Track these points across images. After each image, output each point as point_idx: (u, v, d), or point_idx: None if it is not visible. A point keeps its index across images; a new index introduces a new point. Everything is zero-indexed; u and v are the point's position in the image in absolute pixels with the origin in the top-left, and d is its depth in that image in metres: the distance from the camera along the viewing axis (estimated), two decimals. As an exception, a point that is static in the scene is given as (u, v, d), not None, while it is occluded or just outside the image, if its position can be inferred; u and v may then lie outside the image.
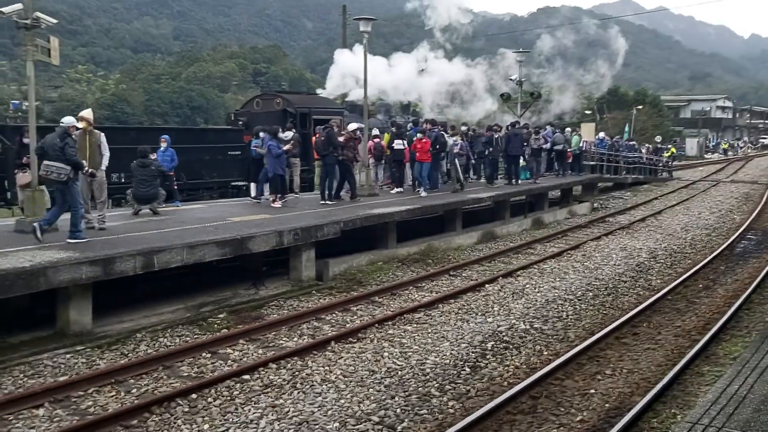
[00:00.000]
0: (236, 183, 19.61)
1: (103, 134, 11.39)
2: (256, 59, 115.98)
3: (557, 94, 31.46)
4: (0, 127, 17.07)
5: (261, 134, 15.29)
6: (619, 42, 34.32)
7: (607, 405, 7.38)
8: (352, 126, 16.93)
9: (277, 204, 14.67)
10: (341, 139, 15.97)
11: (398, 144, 17.60)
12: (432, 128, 18.66)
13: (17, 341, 8.75)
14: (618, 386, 7.91)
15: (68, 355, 8.50)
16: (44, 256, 8.93)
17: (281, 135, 15.16)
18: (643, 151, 35.65)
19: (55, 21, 10.60)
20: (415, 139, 17.62)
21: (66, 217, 10.25)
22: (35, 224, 9.91)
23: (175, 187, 15.76)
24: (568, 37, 34.42)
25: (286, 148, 14.87)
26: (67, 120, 10.24)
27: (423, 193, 17.59)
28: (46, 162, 9.88)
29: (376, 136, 18.43)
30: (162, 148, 14.77)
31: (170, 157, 14.87)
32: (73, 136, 10.13)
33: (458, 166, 19.41)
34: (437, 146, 18.15)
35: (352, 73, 23.06)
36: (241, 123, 21.68)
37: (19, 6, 10.11)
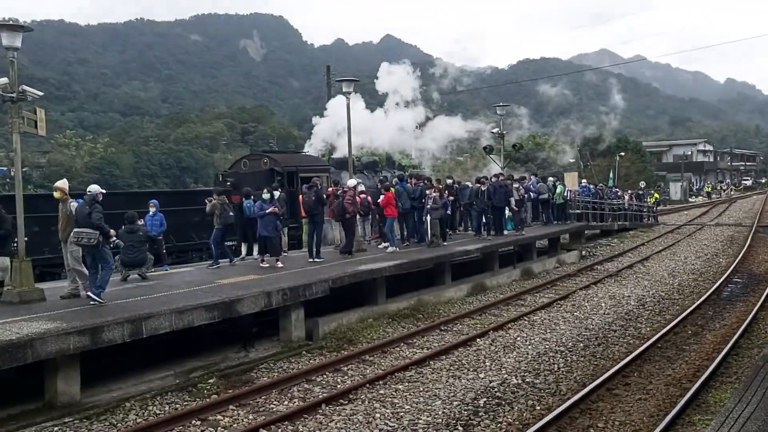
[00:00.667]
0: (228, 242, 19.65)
1: (74, 202, 11.41)
2: (244, 119, 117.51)
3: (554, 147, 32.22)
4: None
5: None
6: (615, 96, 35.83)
7: (600, 459, 7.35)
8: (351, 182, 17.30)
9: (265, 264, 14.67)
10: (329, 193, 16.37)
11: (385, 200, 17.77)
12: (417, 182, 18.91)
13: (5, 414, 8.63)
14: (611, 439, 7.89)
15: (56, 428, 8.38)
16: (31, 327, 8.89)
17: (266, 196, 15.23)
18: (626, 197, 36.01)
19: (41, 94, 10.81)
20: (383, 193, 17.87)
21: (54, 286, 10.25)
22: (89, 294, 10.63)
23: (164, 251, 15.79)
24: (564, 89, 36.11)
25: (269, 210, 14.93)
26: (94, 188, 10.94)
27: (389, 249, 17.54)
28: (76, 229, 10.69)
29: (362, 192, 18.61)
30: (151, 213, 14.83)
31: (159, 222, 14.92)
32: (97, 201, 10.74)
33: (433, 220, 18.96)
34: (422, 200, 18.39)
35: (338, 129, 23.56)
36: (228, 183, 21.85)
37: (5, 80, 10.30)
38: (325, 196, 16.50)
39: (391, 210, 17.82)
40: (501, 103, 26.44)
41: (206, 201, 15.73)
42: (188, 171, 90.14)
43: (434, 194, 18.49)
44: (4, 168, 69.75)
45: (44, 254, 16.70)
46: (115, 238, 11.35)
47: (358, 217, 18.79)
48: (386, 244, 18.16)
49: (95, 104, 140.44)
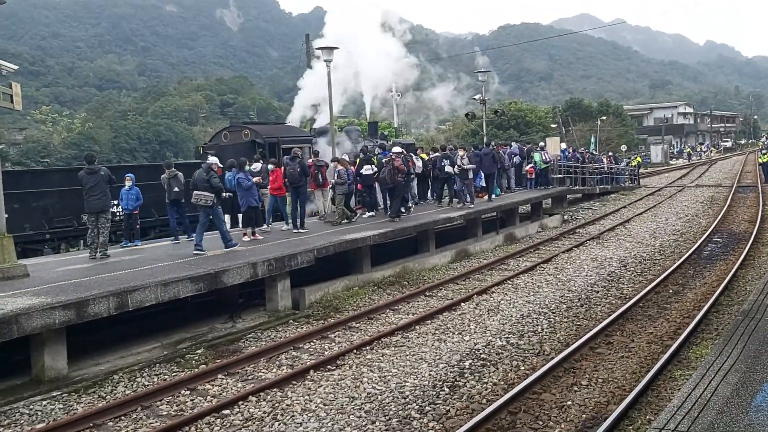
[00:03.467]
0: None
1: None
2: (223, 90, 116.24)
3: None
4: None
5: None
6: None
7: (584, 416, 7.52)
8: (397, 149, 17.95)
9: (247, 238, 14.62)
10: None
11: (367, 169, 17.75)
12: (399, 152, 18.88)
13: (-8, 391, 8.64)
14: (594, 396, 8.06)
15: (44, 402, 8.41)
16: (15, 303, 8.85)
17: (249, 167, 15.22)
18: (605, 160, 36.19)
19: (15, 67, 10.62)
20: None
21: (36, 262, 10.17)
22: (194, 252, 12.89)
23: (138, 226, 15.65)
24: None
25: (255, 179, 14.93)
26: (212, 159, 13.97)
27: (286, 227, 16.73)
28: (195, 192, 12.91)
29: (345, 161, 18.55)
30: (127, 187, 14.61)
31: (135, 196, 14.74)
32: (214, 170, 13.25)
33: (338, 196, 17.41)
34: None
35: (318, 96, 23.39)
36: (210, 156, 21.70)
37: (-21, 54, 10.12)
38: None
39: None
40: (482, 69, 26.33)
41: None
42: (168, 145, 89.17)
43: (339, 168, 17.07)
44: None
45: (25, 231, 16.60)
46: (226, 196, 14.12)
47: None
48: (370, 213, 18.21)
49: (71, 79, 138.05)
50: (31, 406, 8.28)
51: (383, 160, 17.53)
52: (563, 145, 32.91)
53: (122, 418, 7.96)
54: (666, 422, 5.18)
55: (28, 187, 17.10)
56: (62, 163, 71.89)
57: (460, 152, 19.55)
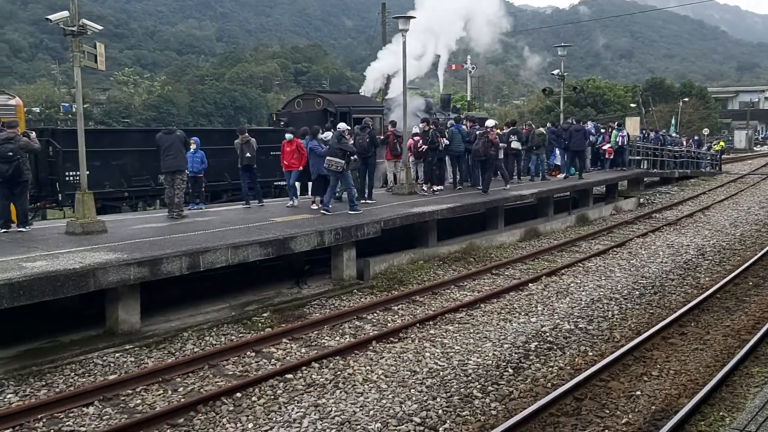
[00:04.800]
0: (278, 183, 19.78)
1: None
2: (298, 59, 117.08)
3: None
4: (51, 131, 17.53)
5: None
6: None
7: (653, 407, 7.25)
8: (490, 122, 17.92)
9: (315, 206, 14.70)
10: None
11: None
12: (472, 125, 18.57)
13: (68, 340, 9.02)
14: (665, 388, 7.76)
15: (117, 354, 8.73)
16: (93, 257, 9.17)
17: (321, 135, 15.23)
18: (684, 143, 34.57)
19: (100, 28, 10.86)
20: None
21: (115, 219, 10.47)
22: (322, 210, 13.79)
23: (203, 190, 15.94)
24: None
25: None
26: (342, 126, 14.22)
27: (290, 203, 15.43)
28: (327, 157, 13.59)
29: (416, 134, 18.37)
30: (192, 150, 14.68)
31: (200, 159, 14.93)
32: (346, 137, 13.80)
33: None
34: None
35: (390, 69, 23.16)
36: (282, 123, 21.90)
37: (65, 14, 10.39)
38: (382, 137, 16.44)
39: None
40: (561, 44, 25.48)
41: None
42: (242, 110, 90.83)
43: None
44: (66, 104, 71.58)
45: (105, 188, 17.16)
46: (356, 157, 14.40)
47: (411, 159, 18.64)
48: (439, 187, 18.02)
49: (152, 42, 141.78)
50: (104, 358, 8.60)
51: (477, 133, 17.46)
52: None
53: (190, 374, 8.18)
54: (746, 423, 4.91)
55: (109, 146, 17.64)
56: (142, 123, 74.28)
57: (507, 129, 18.82)
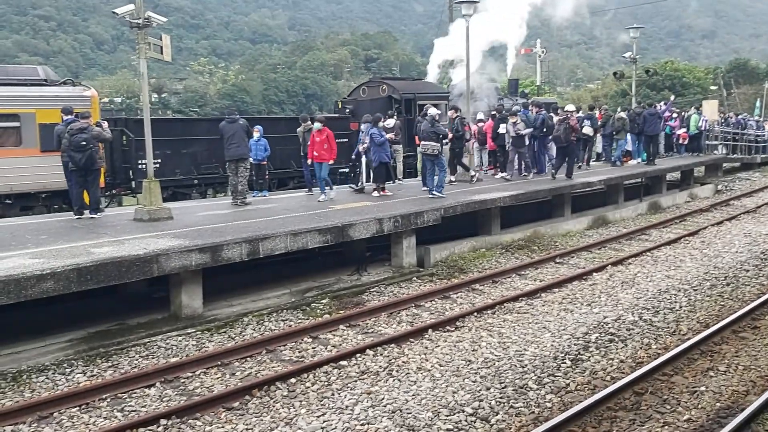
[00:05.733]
0: (342, 170, 19.91)
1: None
2: (368, 45, 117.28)
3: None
4: (124, 121, 18.17)
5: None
6: None
7: (718, 404, 6.93)
8: (570, 107, 18.12)
9: (376, 193, 14.69)
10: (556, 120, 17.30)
11: (502, 128, 17.21)
12: (539, 111, 18.17)
13: (135, 323, 9.38)
14: (732, 384, 7.40)
15: (180, 338, 9.00)
16: (158, 244, 9.47)
17: (383, 123, 15.20)
18: (766, 126, 32.61)
19: (164, 20, 11.13)
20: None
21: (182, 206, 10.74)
22: (435, 192, 14.22)
23: (267, 177, 16.15)
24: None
25: (388, 136, 14.90)
26: (433, 111, 14.46)
27: (321, 197, 14.13)
28: (423, 142, 14.32)
29: (480, 120, 18.14)
30: (255, 138, 14.86)
31: (264, 147, 15.11)
32: (436, 120, 14.20)
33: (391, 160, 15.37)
34: (544, 129, 17.71)
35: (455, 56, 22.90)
36: (348, 110, 22.02)
37: (131, 7, 10.71)
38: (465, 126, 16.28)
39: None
40: (635, 25, 24.50)
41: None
42: (314, 98, 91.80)
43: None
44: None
45: (176, 176, 17.70)
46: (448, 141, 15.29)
47: (476, 145, 18.42)
48: (503, 174, 17.72)
49: (227, 32, 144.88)
50: (167, 341, 8.89)
51: (557, 119, 17.34)
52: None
53: (248, 359, 8.36)
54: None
55: (180, 134, 18.16)
56: (217, 112, 76.17)
57: (512, 118, 16.92)
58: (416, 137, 16.50)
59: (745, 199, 21.36)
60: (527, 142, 17.65)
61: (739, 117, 30.62)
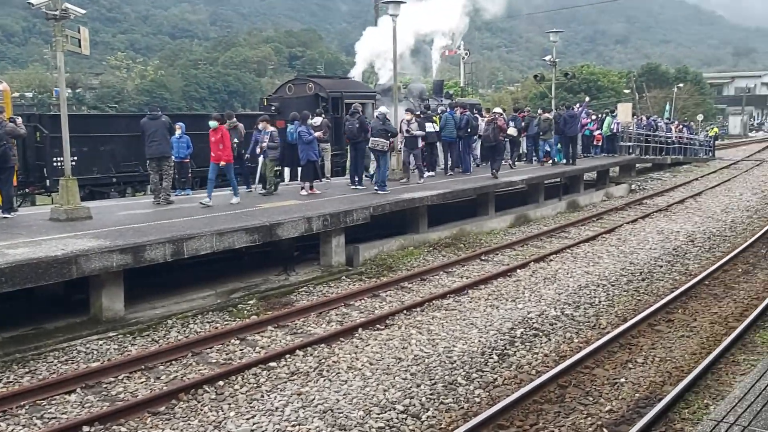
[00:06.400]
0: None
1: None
2: (292, 43, 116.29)
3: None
4: (38, 116, 17.36)
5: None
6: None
7: (637, 394, 7.24)
8: (498, 109, 19.12)
9: (305, 192, 14.59)
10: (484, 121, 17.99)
11: (429, 127, 17.39)
12: (463, 111, 18.49)
13: (52, 327, 8.94)
14: (649, 375, 7.74)
15: (101, 341, 8.67)
16: (76, 244, 9.08)
17: (311, 121, 15.13)
18: (673, 129, 34.13)
19: (83, 11, 10.68)
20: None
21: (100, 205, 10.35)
22: (376, 188, 14.83)
23: (190, 176, 15.80)
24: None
25: (316, 134, 14.83)
26: (383, 109, 15.55)
27: (234, 200, 13.52)
28: (372, 138, 14.68)
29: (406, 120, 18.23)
30: (177, 135, 14.46)
31: (186, 144, 14.78)
32: (387, 119, 14.99)
33: (267, 163, 14.78)
34: (468, 129, 18.06)
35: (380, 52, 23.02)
36: (273, 108, 21.75)
37: (47, -3, 10.23)
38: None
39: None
40: (554, 30, 25.29)
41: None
42: (236, 95, 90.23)
43: (270, 129, 14.57)
44: (57, 88, 71.00)
45: (93, 174, 17.04)
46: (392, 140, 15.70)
47: (404, 147, 18.52)
48: (430, 173, 17.92)
49: (145, 26, 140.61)
50: (88, 345, 8.55)
51: (485, 119, 17.95)
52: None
53: (173, 362, 8.13)
54: (725, 414, 4.88)
55: (97, 131, 17.48)
56: (135, 108, 73.72)
57: (407, 116, 16.46)
58: (345, 135, 16.48)
59: (657, 198, 22.38)
60: (420, 144, 17.11)
61: (650, 119, 32.02)
